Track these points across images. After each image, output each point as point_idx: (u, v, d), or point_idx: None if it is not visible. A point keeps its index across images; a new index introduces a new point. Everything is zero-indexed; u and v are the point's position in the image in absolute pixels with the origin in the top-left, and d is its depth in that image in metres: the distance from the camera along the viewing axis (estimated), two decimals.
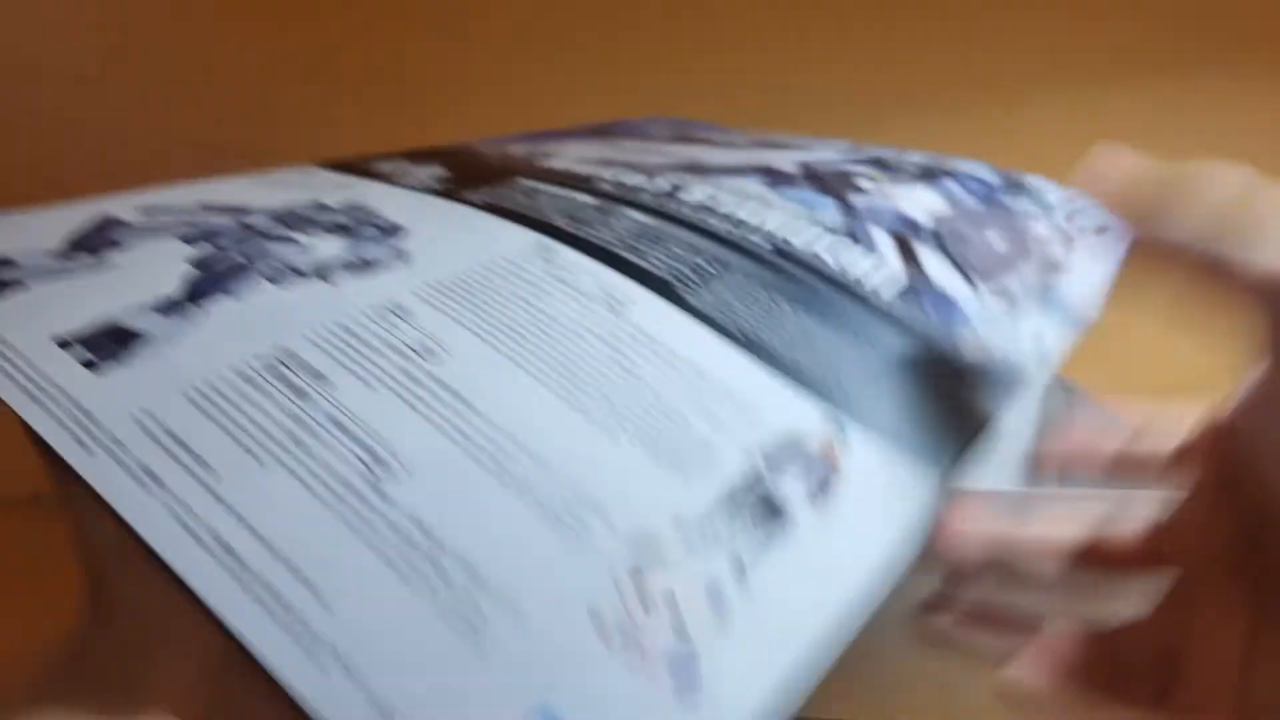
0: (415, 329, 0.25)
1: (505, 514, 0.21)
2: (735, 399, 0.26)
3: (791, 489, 0.24)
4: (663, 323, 0.27)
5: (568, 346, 0.26)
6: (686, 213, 0.33)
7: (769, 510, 0.24)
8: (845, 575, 0.24)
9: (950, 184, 0.37)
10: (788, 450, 0.25)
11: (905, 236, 0.34)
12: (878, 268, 0.32)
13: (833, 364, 0.28)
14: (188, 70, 0.71)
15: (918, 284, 0.32)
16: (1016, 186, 0.38)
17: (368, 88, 0.72)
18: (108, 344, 0.23)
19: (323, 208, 0.31)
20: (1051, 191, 0.38)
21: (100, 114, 0.72)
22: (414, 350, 0.24)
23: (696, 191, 0.34)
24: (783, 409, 0.26)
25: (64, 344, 0.23)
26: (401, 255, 0.28)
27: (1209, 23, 0.68)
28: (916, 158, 0.40)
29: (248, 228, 0.29)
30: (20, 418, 0.22)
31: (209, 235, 0.28)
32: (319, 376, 0.23)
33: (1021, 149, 0.45)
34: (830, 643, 0.22)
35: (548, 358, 0.25)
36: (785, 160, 0.38)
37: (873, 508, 0.25)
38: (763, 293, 0.30)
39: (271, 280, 0.26)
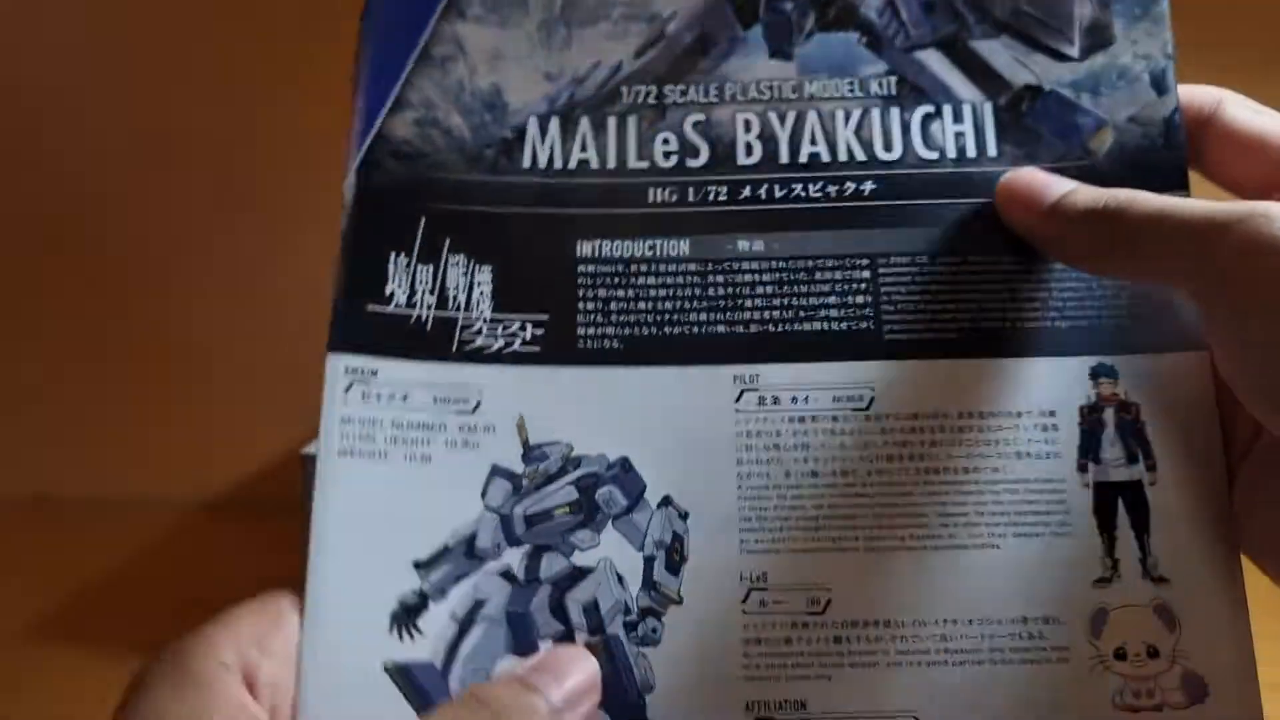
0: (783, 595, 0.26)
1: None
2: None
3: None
4: (911, 391, 0.27)
5: (880, 497, 0.26)
6: (789, 194, 0.29)
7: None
8: None
9: None
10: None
11: (954, 36, 0.29)
12: (962, 116, 0.29)
13: (1029, 305, 0.28)
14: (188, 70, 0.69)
15: (1014, 104, 0.29)
16: None
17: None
18: None
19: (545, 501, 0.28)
20: None
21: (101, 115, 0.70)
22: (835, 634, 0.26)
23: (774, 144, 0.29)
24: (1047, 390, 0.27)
25: None
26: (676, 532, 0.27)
27: (1209, 23, 0.57)
28: None
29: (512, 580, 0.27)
30: None
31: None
32: None
33: None
34: None
35: (885, 526, 0.26)
36: None
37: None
38: (925, 266, 0.28)
39: None
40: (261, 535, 0.60)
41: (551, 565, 0.26)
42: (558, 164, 0.29)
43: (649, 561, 0.26)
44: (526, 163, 0.29)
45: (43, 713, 0.48)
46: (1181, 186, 0.27)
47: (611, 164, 0.29)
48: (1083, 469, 0.26)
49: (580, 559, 0.26)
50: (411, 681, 0.25)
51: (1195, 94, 0.29)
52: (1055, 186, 0.27)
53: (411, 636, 0.25)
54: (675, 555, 0.25)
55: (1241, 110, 0.28)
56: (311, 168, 0.70)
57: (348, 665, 0.25)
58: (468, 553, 0.25)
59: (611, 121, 0.30)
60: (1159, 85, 0.29)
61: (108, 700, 0.46)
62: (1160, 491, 0.26)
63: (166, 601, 0.57)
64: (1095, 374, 0.27)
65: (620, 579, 0.25)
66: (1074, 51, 0.29)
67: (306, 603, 0.25)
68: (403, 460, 0.26)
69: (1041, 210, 0.27)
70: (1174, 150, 0.28)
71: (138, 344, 0.72)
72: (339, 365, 0.27)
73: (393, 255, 0.28)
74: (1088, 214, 0.26)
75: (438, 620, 0.25)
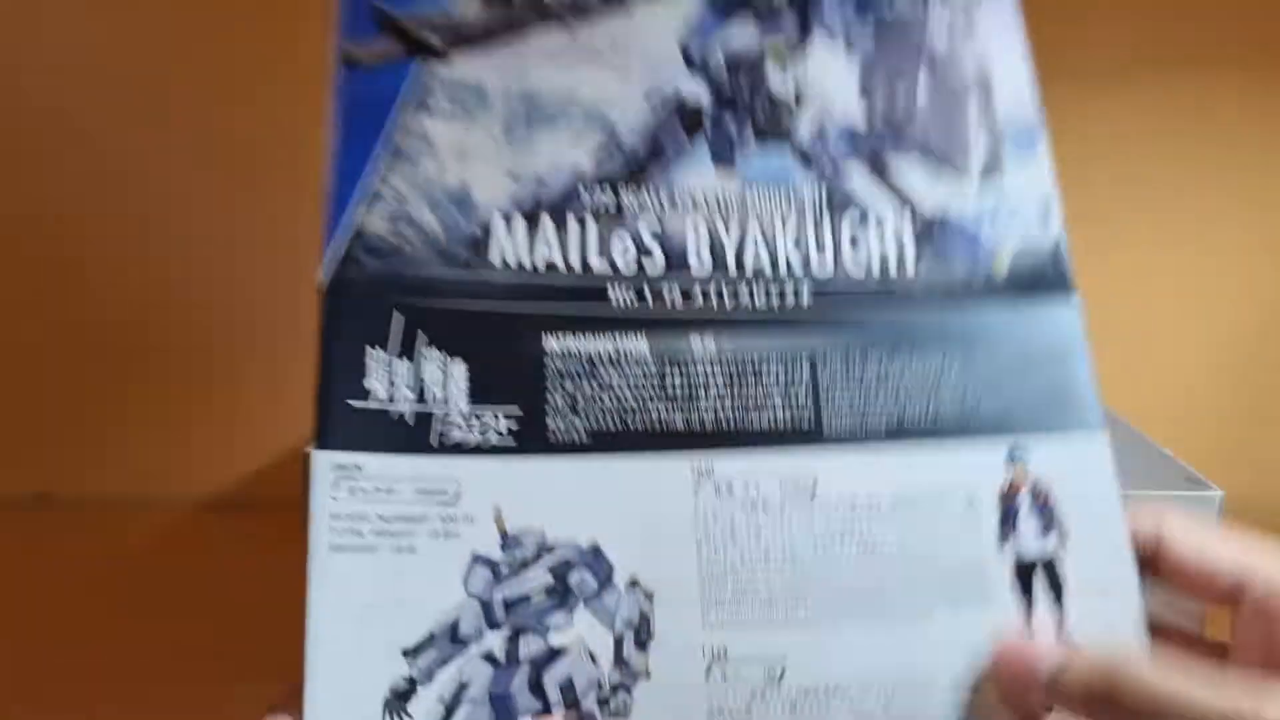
0: (742, 667, 0.28)
1: None
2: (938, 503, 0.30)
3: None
4: (850, 478, 0.30)
5: (826, 575, 0.29)
6: (737, 301, 0.32)
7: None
8: None
9: (826, 14, 0.35)
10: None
11: (872, 163, 0.33)
12: (885, 233, 0.33)
13: (949, 396, 0.32)
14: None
15: (927, 228, 0.33)
16: None
17: None
18: None
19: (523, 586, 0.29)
20: None
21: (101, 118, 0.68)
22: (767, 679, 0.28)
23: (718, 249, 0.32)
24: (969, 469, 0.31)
25: None
26: (640, 594, 0.29)
27: (1209, 23, 0.66)
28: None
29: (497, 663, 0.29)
30: None
31: None
32: None
33: None
34: None
35: (831, 601, 0.29)
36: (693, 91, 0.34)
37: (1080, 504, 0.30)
38: (857, 366, 0.31)
39: None
40: (262, 534, 0.59)
41: (530, 646, 0.27)
42: (525, 262, 0.31)
43: (619, 640, 0.28)
44: (495, 260, 0.31)
45: (43, 713, 0.46)
46: (1069, 295, 0.32)
47: (575, 264, 0.31)
48: (1001, 545, 0.30)
49: (556, 639, 0.28)
50: None
51: (1136, 521, 0.30)
52: (1045, 660, 0.27)
53: None
54: (643, 633, 0.28)
55: (1182, 538, 0.29)
56: (312, 168, 0.69)
57: None
58: (452, 638, 0.27)
59: (573, 223, 0.32)
60: (1044, 215, 0.33)
61: (108, 700, 0.45)
62: (1072, 563, 0.30)
63: (167, 601, 0.56)
64: (1010, 458, 0.31)
65: (593, 657, 0.27)
66: (973, 184, 0.33)
67: (305, 693, 0.26)
68: (389, 552, 0.28)
69: (1035, 686, 0.27)
70: (1060, 269, 0.33)
71: (138, 344, 0.71)
72: (326, 462, 0.28)
73: (369, 350, 0.29)
74: (1085, 697, 0.26)
75: (426, 704, 0.26)
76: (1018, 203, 0.33)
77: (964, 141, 0.34)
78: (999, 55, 0.35)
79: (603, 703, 0.27)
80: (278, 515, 0.53)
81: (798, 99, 0.34)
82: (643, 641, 0.28)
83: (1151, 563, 0.30)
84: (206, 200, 0.69)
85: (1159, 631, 0.30)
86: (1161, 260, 0.70)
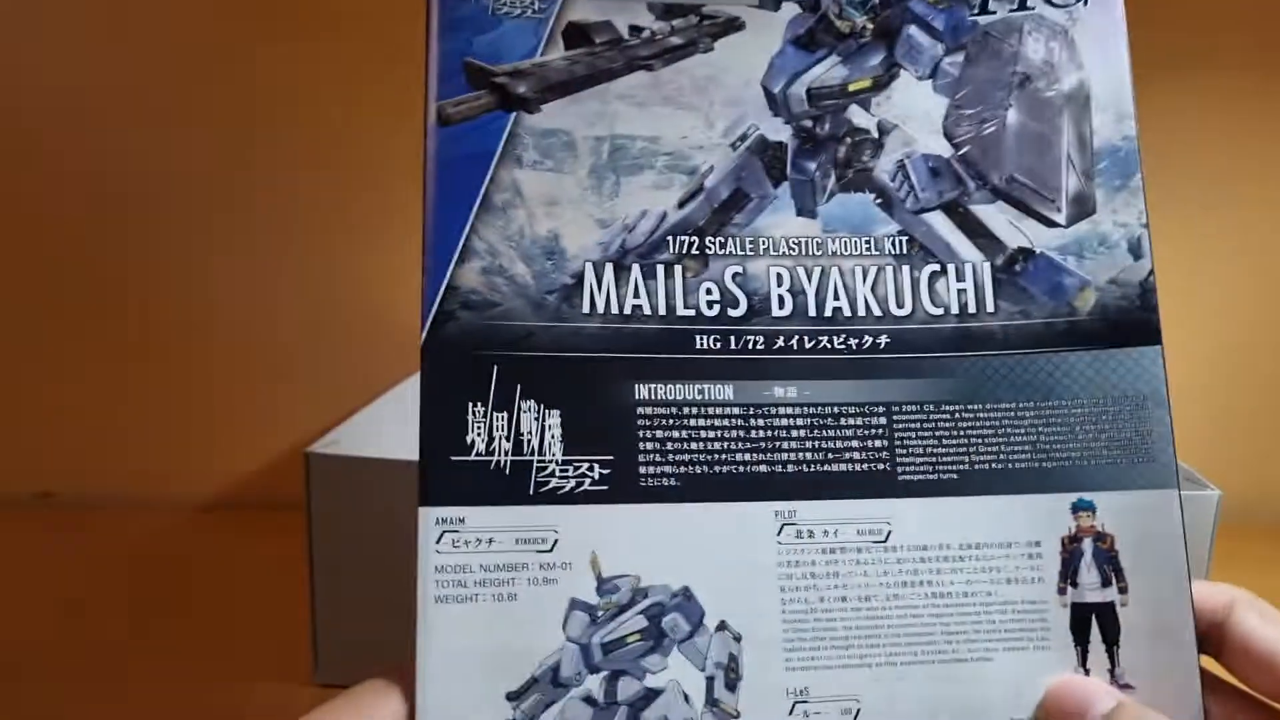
0: (822, 707, 0.30)
1: None
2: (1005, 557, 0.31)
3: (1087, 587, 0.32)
4: (921, 526, 0.31)
5: (897, 618, 0.31)
6: (817, 345, 0.33)
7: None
8: None
9: (916, 36, 0.35)
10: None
11: (955, 202, 0.34)
12: (964, 275, 0.33)
13: (1020, 446, 0.32)
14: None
15: (1009, 264, 0.33)
16: None
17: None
18: None
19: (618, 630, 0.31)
20: None
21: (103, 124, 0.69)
22: None
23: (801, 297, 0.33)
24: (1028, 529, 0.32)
25: None
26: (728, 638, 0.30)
27: (1209, 22, 0.66)
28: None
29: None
30: None
31: None
32: None
33: None
34: None
35: (902, 643, 0.31)
36: (776, 132, 0.34)
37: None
38: (931, 413, 0.32)
39: None
40: (262, 535, 0.62)
41: (627, 688, 0.29)
42: (614, 309, 0.32)
43: (710, 681, 0.29)
44: (586, 308, 0.32)
45: (43, 712, 0.48)
46: (1155, 342, 0.33)
47: (662, 310, 0.33)
48: (1062, 591, 0.31)
49: (651, 681, 0.29)
50: None
51: (1207, 595, 0.31)
52: (1098, 702, 0.29)
53: None
54: (732, 674, 0.29)
55: (1250, 620, 0.30)
56: (312, 168, 0.71)
57: None
58: (554, 681, 0.29)
59: (660, 269, 0.33)
60: (1135, 251, 0.33)
61: (109, 700, 0.48)
62: (1130, 611, 0.31)
63: (167, 601, 0.59)
64: (1075, 508, 0.32)
65: (686, 697, 0.29)
66: (1061, 219, 0.34)
67: None
68: (491, 600, 0.29)
69: None
70: (1148, 311, 0.33)
71: (139, 344, 0.73)
72: (431, 517, 0.30)
73: (470, 405, 0.31)
74: None
75: None
76: (1108, 239, 0.33)
77: (1054, 178, 0.34)
78: (1100, 75, 0.34)
79: None
80: (278, 515, 0.56)
81: (881, 139, 0.34)
82: (732, 683, 0.29)
83: (1215, 641, 0.31)
84: (210, 202, 0.70)
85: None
86: (1160, 259, 0.68)
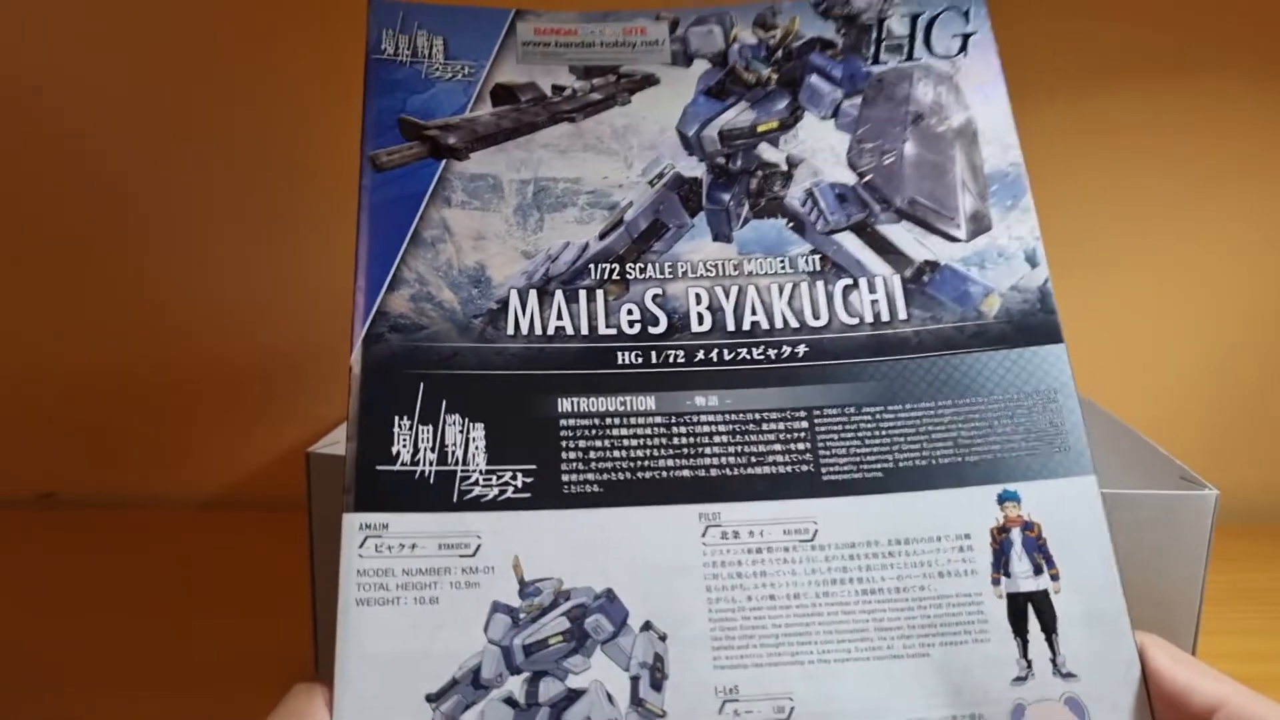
0: (754, 705, 0.29)
1: None
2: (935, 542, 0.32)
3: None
4: (848, 523, 0.32)
5: (828, 615, 0.31)
6: (736, 357, 0.34)
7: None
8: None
9: (817, 83, 0.37)
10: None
11: (863, 223, 0.36)
12: (875, 287, 0.35)
13: (942, 443, 0.33)
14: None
15: (917, 276, 0.35)
16: (860, 38, 0.38)
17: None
18: None
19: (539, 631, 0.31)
20: (893, 19, 0.38)
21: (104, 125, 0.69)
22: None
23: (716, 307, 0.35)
24: (954, 518, 0.32)
25: None
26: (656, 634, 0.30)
27: (1209, 22, 0.67)
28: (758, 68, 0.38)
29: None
30: None
31: None
32: None
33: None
34: None
35: (834, 642, 0.30)
36: (691, 169, 0.37)
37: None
38: (852, 416, 0.33)
39: None
40: (262, 534, 0.61)
41: (549, 689, 0.28)
42: (538, 331, 0.34)
43: (635, 680, 0.29)
44: (510, 330, 0.34)
45: (44, 712, 0.46)
46: (1058, 340, 0.34)
47: (584, 330, 0.34)
48: (995, 582, 0.31)
49: (574, 682, 0.29)
50: None
51: None
52: None
53: None
54: (658, 673, 0.29)
55: (1165, 658, 0.30)
56: (313, 169, 0.72)
57: None
58: (474, 683, 0.28)
59: (582, 294, 0.34)
60: (1031, 260, 0.35)
61: (109, 700, 0.45)
62: (1064, 598, 0.31)
63: (167, 601, 0.57)
64: (1001, 499, 0.32)
65: (610, 697, 0.29)
66: (962, 235, 0.35)
67: None
68: (413, 603, 0.29)
69: None
70: (1049, 313, 0.34)
71: (139, 344, 0.72)
72: (354, 523, 0.30)
73: (397, 419, 0.32)
74: None
75: None
76: (1005, 251, 0.35)
77: (951, 200, 0.36)
78: (983, 113, 0.37)
79: None
80: (278, 515, 0.55)
81: (789, 170, 0.36)
82: (658, 682, 0.29)
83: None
84: (210, 202, 0.70)
85: None
86: (1159, 259, 0.70)
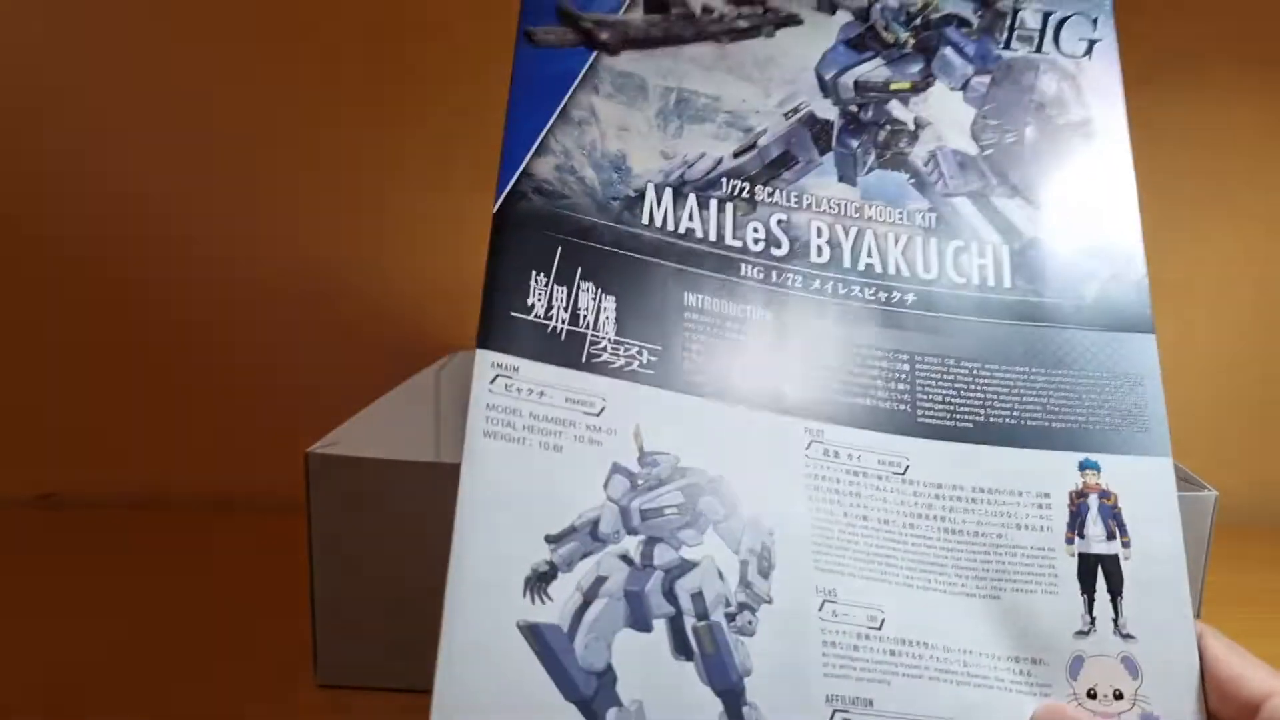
0: (849, 609, 0.30)
1: None
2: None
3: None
4: (937, 465, 0.33)
5: (912, 545, 0.32)
6: (849, 293, 0.35)
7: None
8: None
9: (950, 56, 0.39)
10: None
11: (980, 191, 0.37)
12: (985, 253, 0.36)
13: (1032, 406, 0.34)
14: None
15: (1025, 250, 0.37)
16: (994, 22, 0.40)
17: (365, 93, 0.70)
18: None
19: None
20: (1026, 11, 0.40)
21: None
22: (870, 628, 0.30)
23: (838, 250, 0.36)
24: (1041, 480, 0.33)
25: None
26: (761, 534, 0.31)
27: (1209, 22, 0.67)
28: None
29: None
30: None
31: None
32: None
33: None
34: None
35: (916, 570, 0.31)
36: (824, 111, 0.38)
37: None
38: (951, 368, 0.34)
39: None
40: (262, 535, 0.60)
41: (663, 555, 0.29)
42: (670, 226, 0.34)
43: (744, 564, 0.29)
44: (645, 219, 0.34)
45: (44, 711, 0.44)
46: (1149, 331, 0.36)
47: (713, 236, 0.35)
48: (1069, 541, 0.33)
49: (687, 553, 0.29)
50: (541, 640, 0.27)
51: None
52: None
53: (542, 601, 0.27)
54: (764, 561, 0.29)
55: (1221, 648, 0.32)
56: (313, 170, 0.71)
57: (485, 623, 0.27)
58: (592, 534, 0.28)
59: (713, 203, 0.35)
60: (1132, 255, 0.37)
61: (109, 700, 0.43)
62: (1132, 564, 0.32)
63: (168, 601, 0.55)
64: (1082, 467, 0.34)
65: (721, 575, 0.29)
66: (1070, 221, 0.37)
67: (451, 565, 0.27)
68: (538, 447, 0.29)
69: None
70: (1143, 305, 0.36)
71: (140, 344, 0.71)
72: (487, 359, 0.30)
73: (534, 273, 0.32)
74: None
75: (565, 589, 0.28)
76: (1109, 244, 0.37)
77: (1064, 186, 0.38)
78: (1100, 115, 0.39)
79: (729, 618, 0.28)
80: (278, 515, 0.55)
81: (916, 130, 0.38)
82: (765, 570, 0.29)
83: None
84: (211, 202, 0.70)
85: None
86: (1158, 260, 0.71)
